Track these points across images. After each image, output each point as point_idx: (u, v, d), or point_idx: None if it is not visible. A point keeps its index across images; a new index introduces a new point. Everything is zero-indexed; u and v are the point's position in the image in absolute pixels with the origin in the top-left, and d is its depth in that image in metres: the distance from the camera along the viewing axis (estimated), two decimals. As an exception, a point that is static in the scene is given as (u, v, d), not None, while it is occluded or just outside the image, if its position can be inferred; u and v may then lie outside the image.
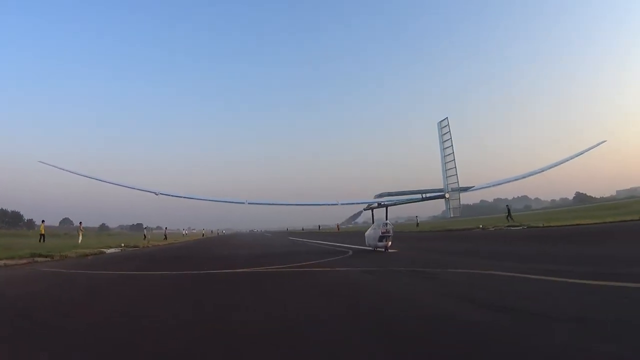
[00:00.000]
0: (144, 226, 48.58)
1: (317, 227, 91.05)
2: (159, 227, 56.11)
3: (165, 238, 38.23)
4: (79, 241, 24.60)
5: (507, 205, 31.61)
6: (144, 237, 36.00)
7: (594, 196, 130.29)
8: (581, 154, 17.63)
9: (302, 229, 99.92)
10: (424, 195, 14.62)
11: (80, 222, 31.32)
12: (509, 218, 28.51)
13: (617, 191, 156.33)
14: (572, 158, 17.36)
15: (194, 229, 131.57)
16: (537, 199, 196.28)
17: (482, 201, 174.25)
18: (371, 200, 16.00)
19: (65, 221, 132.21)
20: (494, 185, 15.82)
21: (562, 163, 17.29)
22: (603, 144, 18.62)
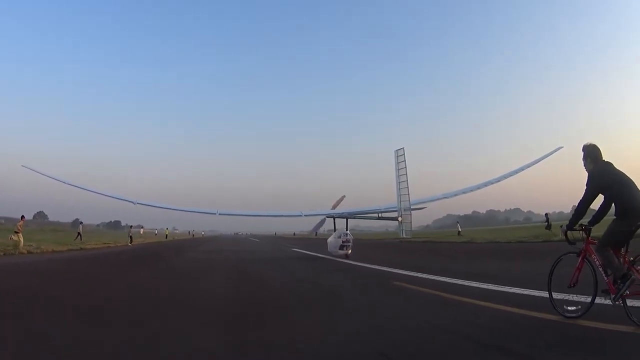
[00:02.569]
0: (80, 221, 35.78)
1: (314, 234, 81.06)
2: (139, 225, 50.46)
3: (131, 241, 30.44)
4: (20, 242, 16.50)
5: (546, 214, 28.59)
6: (77, 235, 27.61)
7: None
8: (539, 160, 18.29)
9: (294, 234, 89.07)
10: (379, 215, 16.12)
11: (23, 216, 18.55)
12: (548, 229, 26.59)
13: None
14: (530, 165, 17.91)
15: (177, 230, 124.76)
16: (530, 211, 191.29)
17: (474, 212, 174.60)
18: (328, 212, 17.47)
19: (40, 215, 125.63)
20: (450, 197, 17.31)
21: (520, 171, 17.99)
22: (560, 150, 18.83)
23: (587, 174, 3.95)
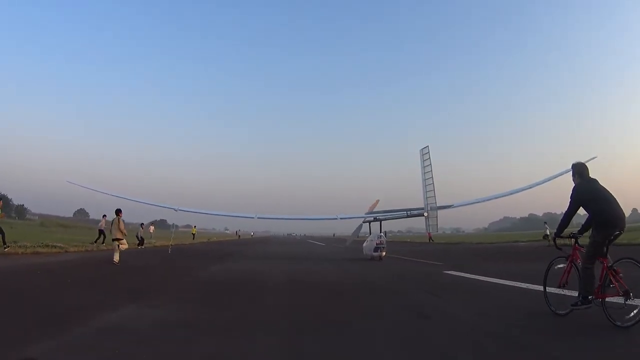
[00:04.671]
0: (103, 215, 21.29)
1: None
2: (187, 226, 46.74)
3: (141, 244, 21.00)
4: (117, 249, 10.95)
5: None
6: (99, 235, 19.41)
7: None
8: (569, 170, 17.57)
9: (357, 237, 70.58)
10: (408, 213, 16.61)
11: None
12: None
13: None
14: (559, 175, 17.05)
15: (227, 230, 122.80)
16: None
17: (531, 214, 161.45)
18: (363, 215, 18.06)
19: (80, 212, 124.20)
20: (473, 203, 17.54)
21: (549, 180, 17.52)
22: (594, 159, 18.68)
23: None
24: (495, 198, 17.23)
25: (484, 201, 17.32)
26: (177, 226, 34.45)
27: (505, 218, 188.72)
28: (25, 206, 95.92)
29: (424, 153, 16.02)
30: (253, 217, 19.04)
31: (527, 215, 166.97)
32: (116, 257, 10.44)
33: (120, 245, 10.71)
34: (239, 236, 74.58)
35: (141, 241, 21.04)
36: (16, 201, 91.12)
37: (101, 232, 19.25)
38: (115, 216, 11.25)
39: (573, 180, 4.50)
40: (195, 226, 45.62)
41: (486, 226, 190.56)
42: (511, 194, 16.73)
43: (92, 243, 18.00)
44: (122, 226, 11.00)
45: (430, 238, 41.66)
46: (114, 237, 10.88)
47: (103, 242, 18.31)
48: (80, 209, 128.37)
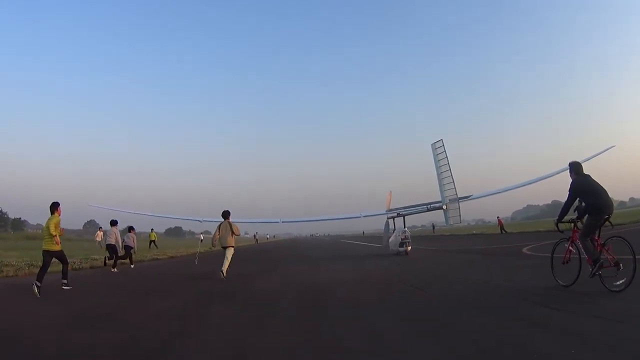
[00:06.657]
0: (99, 226, 20.37)
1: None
2: (207, 232, 40.14)
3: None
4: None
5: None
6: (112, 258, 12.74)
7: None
8: (589, 159, 17.75)
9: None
10: (428, 207, 16.97)
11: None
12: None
13: (630, 198, 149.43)
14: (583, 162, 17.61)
15: (247, 234, 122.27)
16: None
17: (554, 201, 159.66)
18: (386, 212, 18.48)
19: (91, 224, 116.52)
20: (493, 194, 17.72)
21: (561, 172, 16.88)
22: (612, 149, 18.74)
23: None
24: (514, 188, 17.51)
25: (503, 192, 17.56)
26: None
27: (529, 206, 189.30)
28: (24, 219, 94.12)
29: (437, 147, 16.22)
30: (278, 222, 19.58)
31: (550, 202, 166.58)
32: (225, 266, 9.22)
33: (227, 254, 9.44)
34: (257, 240, 64.54)
35: (125, 254, 13.39)
36: (15, 215, 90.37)
37: (110, 247, 12.76)
38: (222, 220, 9.65)
39: (570, 176, 5.37)
40: (152, 229, 30.34)
41: (510, 215, 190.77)
42: (530, 183, 16.98)
43: (105, 265, 13.10)
44: (236, 230, 9.62)
45: (501, 228, 31.86)
46: (223, 245, 9.53)
47: (126, 258, 13.41)
48: (91, 220, 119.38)
